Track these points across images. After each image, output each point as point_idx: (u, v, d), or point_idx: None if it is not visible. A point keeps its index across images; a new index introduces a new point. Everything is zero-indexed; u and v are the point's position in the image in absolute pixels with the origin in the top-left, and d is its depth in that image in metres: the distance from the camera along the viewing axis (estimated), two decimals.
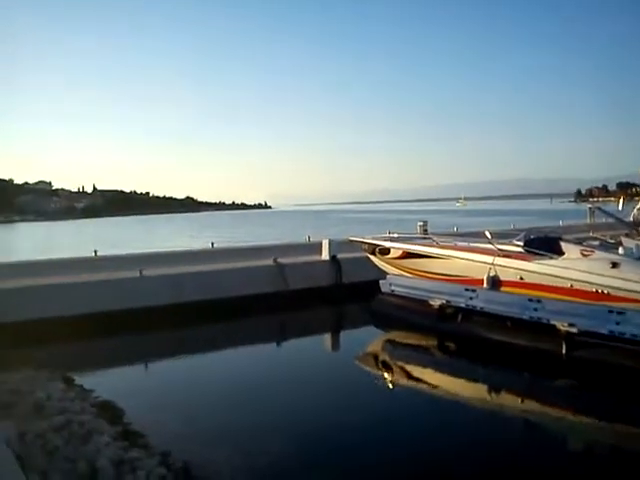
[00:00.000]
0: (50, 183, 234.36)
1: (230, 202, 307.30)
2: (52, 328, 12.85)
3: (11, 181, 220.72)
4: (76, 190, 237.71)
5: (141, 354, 13.20)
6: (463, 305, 13.30)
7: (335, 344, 15.06)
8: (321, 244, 19.13)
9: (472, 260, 13.60)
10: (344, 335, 16.00)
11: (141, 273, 15.30)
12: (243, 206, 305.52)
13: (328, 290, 17.79)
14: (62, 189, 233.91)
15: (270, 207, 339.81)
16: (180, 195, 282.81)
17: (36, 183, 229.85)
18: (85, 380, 10.02)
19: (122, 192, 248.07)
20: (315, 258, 18.79)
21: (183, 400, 9.79)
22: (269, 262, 17.62)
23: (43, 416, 6.84)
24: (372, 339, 14.58)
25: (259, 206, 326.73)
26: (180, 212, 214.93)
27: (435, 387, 10.65)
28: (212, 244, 22.61)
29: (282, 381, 10.93)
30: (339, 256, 18.50)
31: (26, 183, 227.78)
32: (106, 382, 10.52)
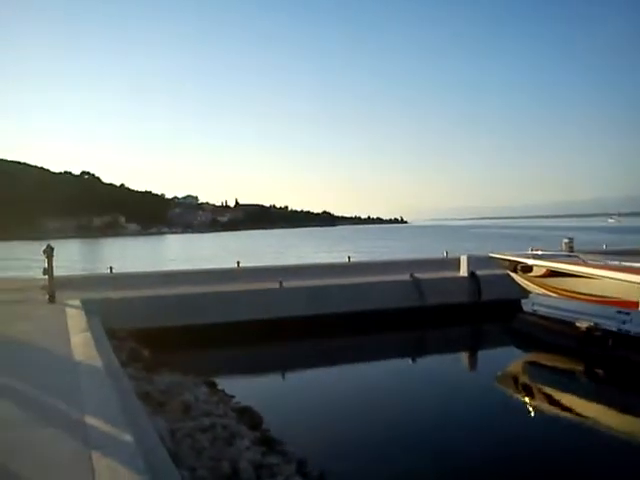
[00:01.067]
0: (197, 197, 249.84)
1: (365, 216, 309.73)
2: (195, 334, 13.63)
3: (162, 196, 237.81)
4: (220, 204, 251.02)
5: (278, 363, 13.60)
6: (614, 329, 12.41)
7: (473, 363, 14.63)
8: (459, 260, 18.74)
9: (625, 280, 12.67)
10: (482, 354, 15.51)
11: (281, 285, 15.81)
12: (379, 220, 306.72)
13: (466, 307, 17.36)
14: (207, 203, 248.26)
15: (406, 222, 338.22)
16: (317, 209, 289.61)
17: (184, 197, 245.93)
18: (226, 385, 10.48)
19: (262, 206, 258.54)
20: (453, 274, 18.43)
21: (319, 410, 9.97)
22: (405, 277, 17.53)
23: (191, 417, 7.24)
24: (512, 360, 14.00)
25: (395, 221, 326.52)
26: (316, 226, 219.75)
27: (581, 416, 9.96)
28: (349, 258, 22.90)
29: (418, 398, 10.78)
30: (478, 272, 18.01)
31: (175, 197, 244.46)
32: (245, 388, 10.95)
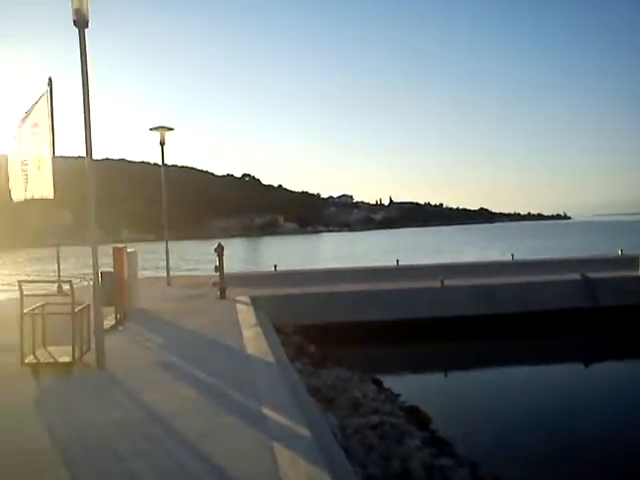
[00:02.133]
0: (351, 197, 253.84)
1: (525, 213, 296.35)
2: (358, 331, 13.77)
3: (318, 195, 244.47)
4: (374, 203, 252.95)
5: (440, 363, 13.37)
6: None
7: None
8: (637, 259, 17.24)
9: None
10: None
11: (442, 283, 15.53)
12: (539, 217, 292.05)
13: None
14: (362, 202, 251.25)
15: (569, 217, 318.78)
16: (474, 206, 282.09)
17: (339, 197, 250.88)
18: (391, 383, 10.48)
19: (416, 204, 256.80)
20: (630, 274, 16.99)
21: (485, 412, 9.65)
22: (575, 276, 16.45)
23: (359, 414, 7.32)
24: None
25: (557, 217, 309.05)
26: (473, 223, 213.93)
27: None
28: (512, 256, 22.00)
29: (594, 407, 10.05)
30: None
31: (331, 197, 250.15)
32: (410, 387, 10.88)
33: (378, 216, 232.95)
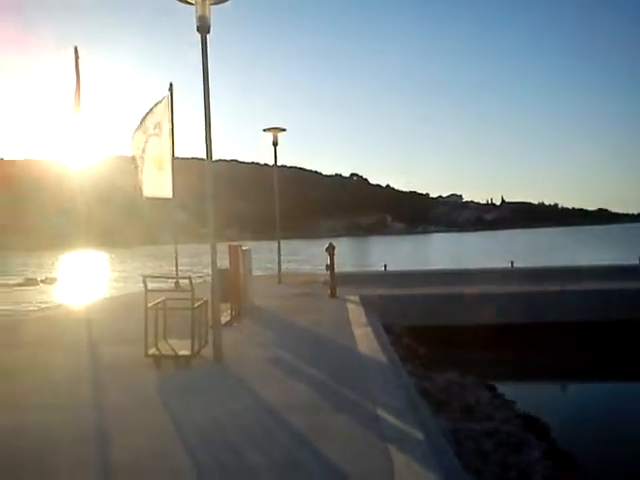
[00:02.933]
0: (461, 196, 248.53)
1: None
2: (468, 334, 13.40)
3: (427, 195, 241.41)
4: (485, 202, 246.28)
5: (555, 370, 12.75)
6: None
7: None
8: None
9: None
10: None
11: (561, 287, 14.82)
12: None
13: None
14: (472, 201, 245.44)
15: None
16: (592, 206, 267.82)
17: (448, 196, 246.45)
18: (505, 390, 10.12)
19: (529, 204, 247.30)
20: None
21: (605, 425, 9.09)
22: None
23: (472, 419, 7.12)
24: None
25: None
26: (591, 224, 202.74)
27: None
28: None
29: None
30: None
31: (440, 196, 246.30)
32: (525, 395, 10.45)
33: (489, 216, 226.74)
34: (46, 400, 6.17)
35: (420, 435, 4.92)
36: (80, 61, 14.09)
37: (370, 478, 4.11)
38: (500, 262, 21.30)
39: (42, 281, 35.12)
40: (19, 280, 34.66)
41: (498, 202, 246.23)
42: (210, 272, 8.28)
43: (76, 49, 14.12)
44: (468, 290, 15.40)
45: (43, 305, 24.25)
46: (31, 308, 23.92)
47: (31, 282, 34.53)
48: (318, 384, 6.59)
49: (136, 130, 13.83)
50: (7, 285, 33.58)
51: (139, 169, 13.99)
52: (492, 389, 9.65)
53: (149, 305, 7.70)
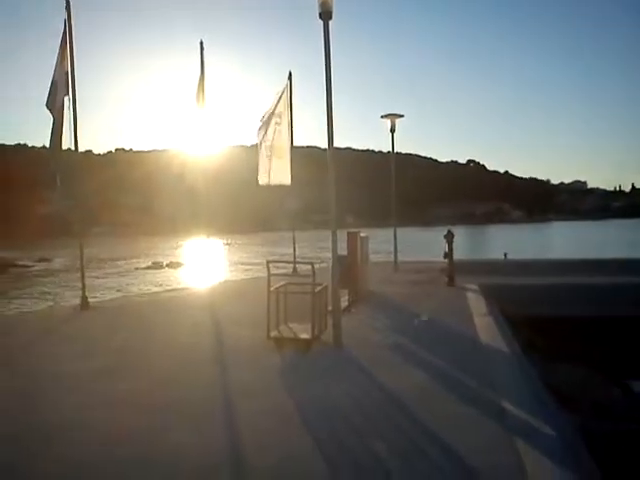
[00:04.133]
0: (585, 183, 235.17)
1: None
2: (595, 326, 12.66)
3: (548, 182, 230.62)
4: (612, 189, 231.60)
5: None
6: None
7: None
8: None
9: None
10: None
11: None
12: None
13: None
14: (597, 188, 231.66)
15: None
16: None
17: (571, 183, 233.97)
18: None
19: None
20: None
21: None
22: None
23: (605, 417, 6.75)
24: None
25: None
26: None
27: None
28: None
29: None
30: None
31: (562, 183, 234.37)
32: None
33: (617, 204, 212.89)
34: (175, 378, 6.52)
35: (550, 430, 4.72)
36: (205, 53, 14.70)
37: (501, 473, 3.99)
38: (629, 252, 19.93)
39: (167, 265, 37.12)
40: (148, 263, 36.88)
41: (628, 189, 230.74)
42: (327, 258, 8.38)
43: (202, 43, 14.72)
44: (594, 280, 14.57)
45: (168, 287, 25.61)
46: (157, 290, 25.33)
47: (157, 265, 36.61)
48: (439, 372, 6.49)
49: (261, 119, 14.24)
50: (138, 268, 35.82)
51: (261, 157, 14.40)
52: (624, 386, 9.09)
53: (271, 289, 7.91)
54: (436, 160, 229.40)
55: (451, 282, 13.88)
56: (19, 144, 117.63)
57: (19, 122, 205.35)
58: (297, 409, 5.36)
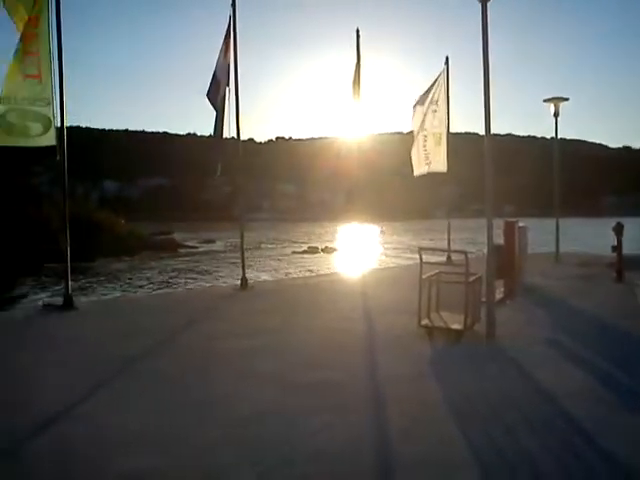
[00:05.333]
0: None
1: None
2: None
3: None
4: None
5: None
6: None
7: None
8: None
9: None
10: None
11: None
12: None
13: None
14: None
15: None
16: None
17: None
18: None
19: None
20: None
21: None
22: None
23: None
24: None
25: None
26: None
27: None
28: None
29: None
30: None
31: None
32: None
33: None
34: (324, 360, 6.70)
35: None
36: (360, 41, 14.78)
37: None
38: None
39: (322, 250, 38.12)
40: (304, 248, 38.17)
41: None
42: (483, 248, 8.14)
43: (357, 31, 14.83)
44: None
45: (322, 272, 26.30)
46: (311, 274, 26.11)
47: (313, 250, 37.74)
48: (600, 373, 6.08)
49: (416, 105, 14.11)
50: (295, 252, 37.21)
51: (416, 144, 14.29)
52: None
53: (423, 277, 7.85)
54: (606, 146, 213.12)
55: (619, 278, 12.87)
56: (189, 133, 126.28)
57: (187, 113, 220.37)
58: (445, 399, 5.30)
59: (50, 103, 9.71)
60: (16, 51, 9.47)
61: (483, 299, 7.82)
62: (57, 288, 19.23)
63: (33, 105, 9.59)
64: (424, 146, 14.53)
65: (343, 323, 8.69)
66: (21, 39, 9.51)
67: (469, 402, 5.21)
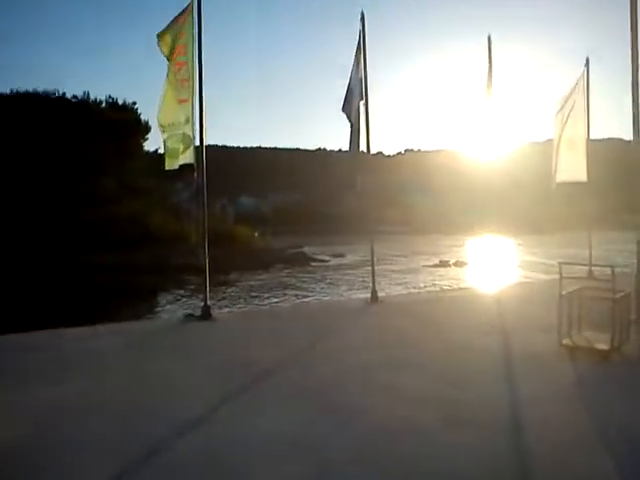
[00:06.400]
0: None
1: None
2: None
3: None
4: None
5: None
6: None
7: None
8: None
9: None
10: None
11: None
12: None
13: None
14: None
15: None
16: None
17: None
18: None
19: None
20: None
21: None
22: None
23: None
24: None
25: None
26: None
27: None
28: None
29: None
30: None
31: None
32: None
33: None
34: (459, 377, 6.48)
35: None
36: (492, 47, 14.31)
37: None
38: None
39: (454, 264, 37.29)
40: (434, 261, 37.51)
41: None
42: (630, 262, 7.56)
43: (489, 37, 14.38)
44: None
45: (455, 286, 25.66)
46: (444, 288, 25.58)
47: (444, 264, 37.01)
48: None
49: (557, 112, 13.50)
50: (425, 265, 36.73)
51: (555, 152, 13.64)
52: None
53: (563, 293, 7.41)
54: None
55: None
56: (319, 149, 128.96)
57: (316, 129, 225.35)
58: (593, 425, 4.93)
59: (189, 122, 10.31)
60: (167, 76, 10.22)
61: (633, 317, 7.24)
62: (193, 300, 20.29)
63: (184, 128, 10.26)
64: (563, 154, 13.81)
65: (478, 339, 8.39)
66: (171, 66, 10.25)
67: (619, 429, 4.81)
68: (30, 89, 41.99)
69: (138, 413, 5.47)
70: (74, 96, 42.91)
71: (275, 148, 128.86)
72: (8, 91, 41.63)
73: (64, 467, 4.36)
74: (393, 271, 33.03)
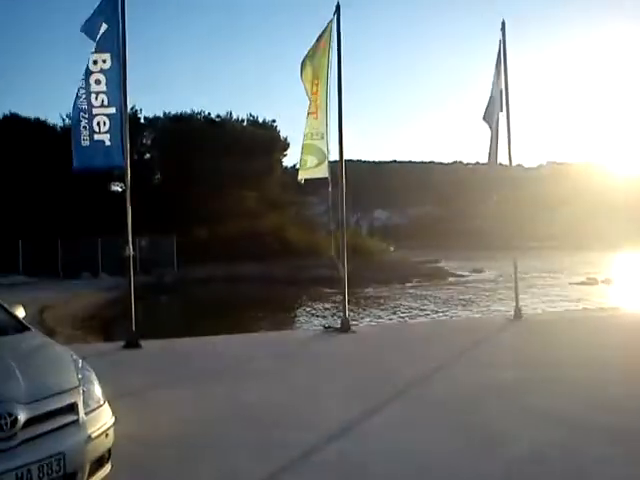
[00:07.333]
0: None
1: None
2: None
3: None
4: None
5: None
6: None
7: None
8: None
9: None
10: None
11: None
12: None
13: None
14: None
15: None
16: None
17: None
18: None
19: None
20: None
21: None
22: None
23: None
24: None
25: None
26: None
27: None
28: None
29: None
30: None
31: None
32: None
33: None
34: (615, 403, 6.10)
35: None
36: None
37: None
38: None
39: (602, 281, 34.98)
40: (581, 279, 35.37)
41: None
42: None
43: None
44: None
45: (603, 305, 24.07)
46: (590, 307, 24.08)
47: (592, 281, 34.80)
48: None
49: None
50: (571, 283, 34.71)
51: None
52: None
53: None
54: None
55: None
56: (455, 161, 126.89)
57: (452, 142, 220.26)
58: None
59: (324, 137, 10.60)
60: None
61: None
62: (333, 311, 20.63)
63: (311, 139, 10.61)
64: None
65: (628, 364, 7.83)
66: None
67: None
68: (179, 111, 44.73)
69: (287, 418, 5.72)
70: (218, 115, 45.33)
71: (410, 162, 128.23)
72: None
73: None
74: (537, 287, 31.62)
